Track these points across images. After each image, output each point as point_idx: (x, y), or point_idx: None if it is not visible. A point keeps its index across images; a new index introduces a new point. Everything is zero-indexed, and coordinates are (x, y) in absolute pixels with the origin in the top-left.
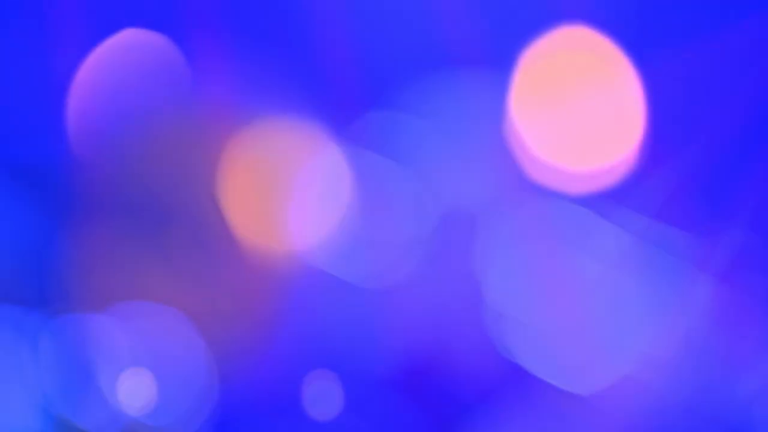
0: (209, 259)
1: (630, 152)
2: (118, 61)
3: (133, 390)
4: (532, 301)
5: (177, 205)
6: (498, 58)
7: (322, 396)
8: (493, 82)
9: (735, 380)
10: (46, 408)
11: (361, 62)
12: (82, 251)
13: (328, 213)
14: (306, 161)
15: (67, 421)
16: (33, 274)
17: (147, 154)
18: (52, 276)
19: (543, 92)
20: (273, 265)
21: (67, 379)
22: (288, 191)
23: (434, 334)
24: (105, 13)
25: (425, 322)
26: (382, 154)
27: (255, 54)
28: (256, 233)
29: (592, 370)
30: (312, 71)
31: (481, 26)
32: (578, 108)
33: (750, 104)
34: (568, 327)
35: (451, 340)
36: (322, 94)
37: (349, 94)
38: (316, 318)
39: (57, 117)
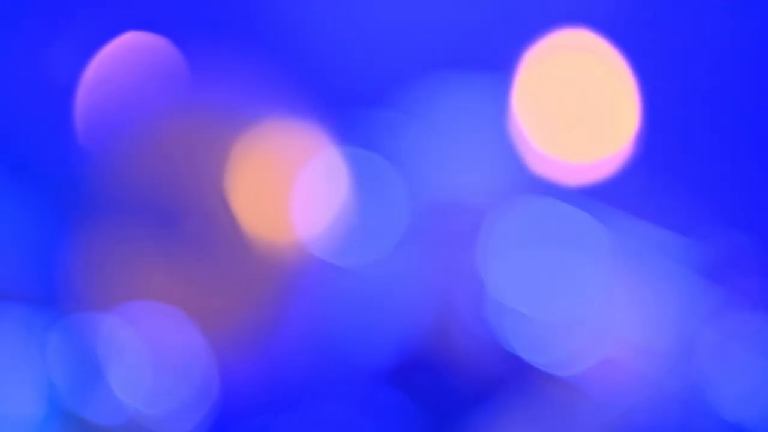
0: (213, 257)
1: (625, 148)
2: (123, 62)
3: (138, 384)
4: (531, 293)
5: (182, 205)
6: (499, 59)
7: (323, 389)
8: (494, 82)
9: (723, 372)
10: (53, 401)
11: (361, 63)
12: (89, 250)
13: (329, 209)
14: (307, 160)
15: (74, 413)
16: (40, 272)
17: (152, 154)
18: (60, 274)
19: (543, 90)
20: (277, 261)
21: (73, 373)
22: (289, 189)
23: (434, 326)
24: (109, 15)
25: (425, 315)
26: (382, 152)
27: (256, 56)
28: (259, 229)
29: (587, 359)
30: (314, 73)
31: (483, 27)
32: (576, 105)
33: (747, 106)
34: (564, 318)
35: (451, 332)
36: (324, 95)
37: (350, 95)
38: (318, 313)
39: (65, 118)
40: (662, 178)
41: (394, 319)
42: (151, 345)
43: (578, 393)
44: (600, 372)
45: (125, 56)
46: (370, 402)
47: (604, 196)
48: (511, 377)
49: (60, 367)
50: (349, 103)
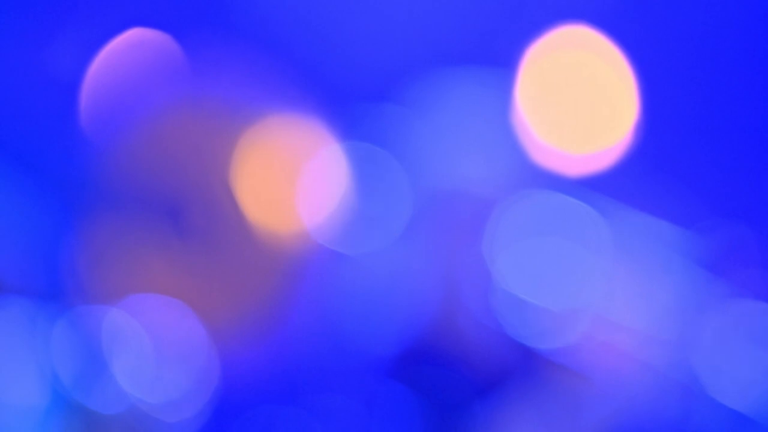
0: (218, 249)
1: (625, 140)
2: (128, 58)
3: (141, 374)
4: (535, 283)
5: (186, 198)
6: (502, 55)
7: (327, 378)
8: (498, 77)
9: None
10: (57, 391)
11: (365, 59)
12: (94, 244)
13: (333, 201)
14: (312, 153)
15: (78, 404)
16: (45, 265)
17: (157, 149)
18: (64, 267)
19: (545, 85)
20: (282, 253)
21: (77, 365)
22: (294, 181)
23: (439, 315)
24: (113, 12)
25: (431, 305)
26: (387, 146)
27: (260, 52)
28: (264, 222)
29: (590, 347)
30: (318, 68)
31: (486, 24)
32: (578, 99)
33: (746, 99)
34: (568, 307)
35: (457, 321)
36: (328, 90)
37: (354, 90)
38: (323, 304)
39: (70, 114)
40: (663, 170)
41: (400, 309)
42: (154, 336)
43: (582, 380)
44: (603, 360)
45: (129, 52)
46: (375, 391)
47: (606, 188)
48: (515, 365)
49: (64, 359)
50: (353, 97)
